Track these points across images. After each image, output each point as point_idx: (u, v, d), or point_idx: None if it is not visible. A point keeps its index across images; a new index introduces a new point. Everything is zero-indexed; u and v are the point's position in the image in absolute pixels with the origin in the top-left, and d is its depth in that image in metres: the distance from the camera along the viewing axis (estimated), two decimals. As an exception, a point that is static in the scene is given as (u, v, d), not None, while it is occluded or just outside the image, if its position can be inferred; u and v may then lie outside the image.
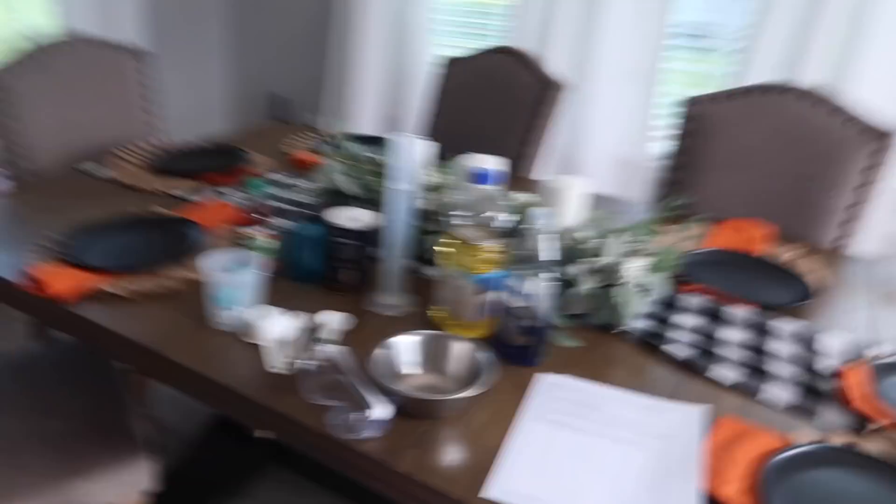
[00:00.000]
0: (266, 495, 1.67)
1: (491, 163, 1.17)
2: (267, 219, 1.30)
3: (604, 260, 1.05)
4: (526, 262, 0.94)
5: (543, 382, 0.94)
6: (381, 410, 0.83)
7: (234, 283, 0.98)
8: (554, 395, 0.92)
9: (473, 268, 0.99)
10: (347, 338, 0.99)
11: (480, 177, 1.00)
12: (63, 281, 1.07)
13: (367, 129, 2.56)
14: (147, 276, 1.12)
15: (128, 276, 1.11)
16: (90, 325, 1.02)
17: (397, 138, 1.00)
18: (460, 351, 0.95)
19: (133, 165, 1.58)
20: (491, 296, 0.99)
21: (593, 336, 1.06)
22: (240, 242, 1.22)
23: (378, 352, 0.91)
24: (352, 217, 1.13)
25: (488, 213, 0.99)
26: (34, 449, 1.14)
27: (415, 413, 0.86)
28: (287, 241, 1.16)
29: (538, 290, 0.93)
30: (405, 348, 0.94)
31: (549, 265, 0.94)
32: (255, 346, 0.96)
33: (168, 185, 1.48)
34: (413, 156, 1.00)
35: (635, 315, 1.06)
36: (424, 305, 1.09)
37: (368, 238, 1.10)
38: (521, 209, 1.14)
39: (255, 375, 0.92)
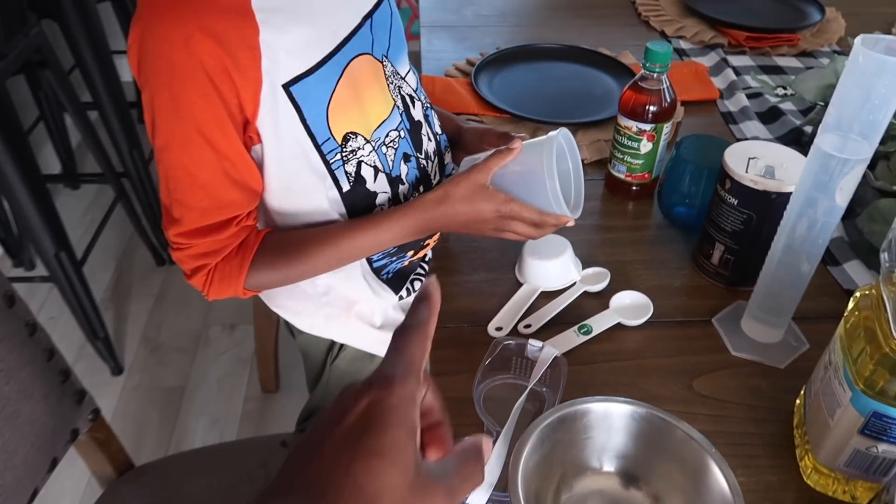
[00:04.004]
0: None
1: None
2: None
3: None
4: None
5: None
6: (477, 496, 0.56)
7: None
8: None
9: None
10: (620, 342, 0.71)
11: None
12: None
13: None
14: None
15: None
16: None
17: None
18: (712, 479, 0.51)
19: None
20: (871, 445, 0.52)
21: None
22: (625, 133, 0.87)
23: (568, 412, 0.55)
24: (776, 163, 0.68)
25: None
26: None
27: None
28: (676, 160, 0.84)
29: None
30: (612, 423, 0.56)
31: None
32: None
33: (676, 26, 1.25)
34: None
35: None
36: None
37: (771, 212, 0.69)
38: None
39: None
